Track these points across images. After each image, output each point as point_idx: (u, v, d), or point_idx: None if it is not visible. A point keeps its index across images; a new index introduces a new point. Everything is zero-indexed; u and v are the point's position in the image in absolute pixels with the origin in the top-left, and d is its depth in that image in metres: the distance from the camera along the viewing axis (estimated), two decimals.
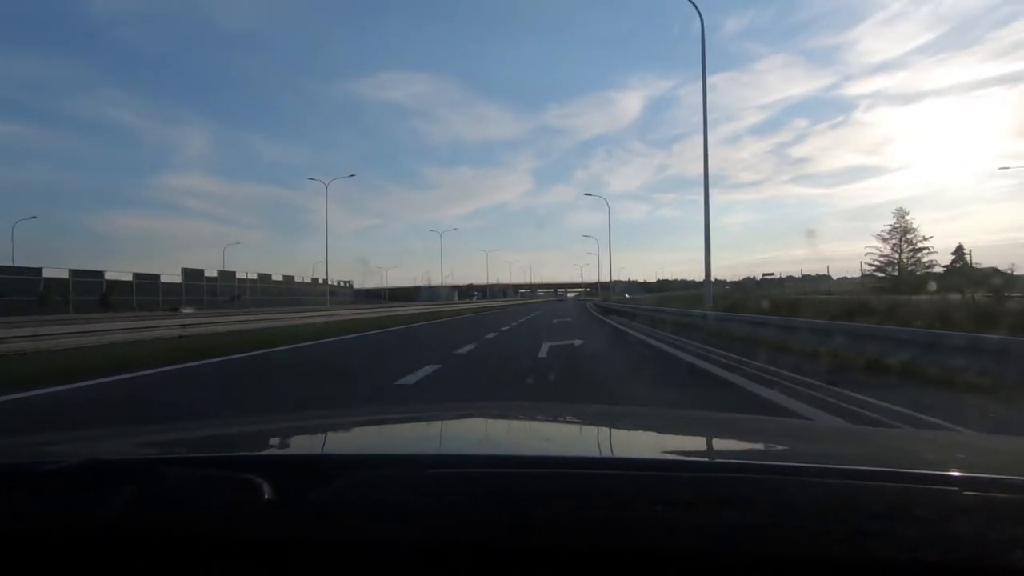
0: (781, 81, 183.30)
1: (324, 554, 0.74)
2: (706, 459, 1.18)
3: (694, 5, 20.44)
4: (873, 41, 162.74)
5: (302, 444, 1.39)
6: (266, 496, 0.75)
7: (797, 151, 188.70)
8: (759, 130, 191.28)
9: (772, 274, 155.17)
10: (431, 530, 0.74)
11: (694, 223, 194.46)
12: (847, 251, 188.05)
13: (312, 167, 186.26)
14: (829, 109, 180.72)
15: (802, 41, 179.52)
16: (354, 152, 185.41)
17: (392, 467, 0.88)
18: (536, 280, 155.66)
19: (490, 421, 1.63)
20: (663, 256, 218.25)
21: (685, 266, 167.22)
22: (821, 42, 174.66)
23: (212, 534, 0.76)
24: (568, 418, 1.70)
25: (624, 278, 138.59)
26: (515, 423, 1.63)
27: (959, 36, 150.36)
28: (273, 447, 1.30)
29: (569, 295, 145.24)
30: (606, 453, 1.22)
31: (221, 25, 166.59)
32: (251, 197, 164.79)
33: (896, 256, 54.04)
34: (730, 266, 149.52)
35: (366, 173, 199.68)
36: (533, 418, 1.74)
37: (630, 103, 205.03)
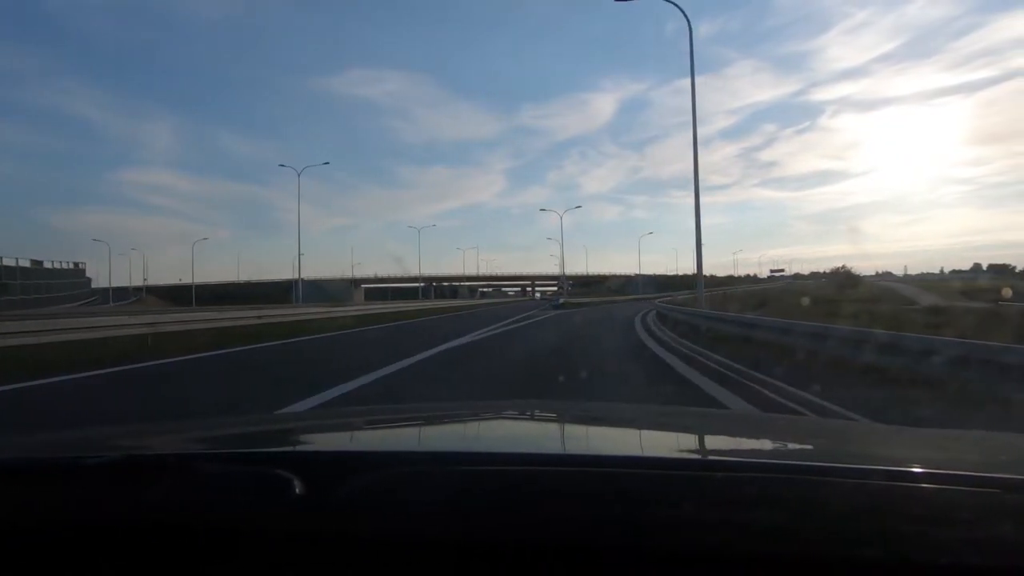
0: (750, 86, 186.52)
1: (352, 548, 0.74)
2: (738, 459, 1.11)
3: (679, 7, 19.04)
4: (839, 49, 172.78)
5: (332, 440, 1.37)
6: (296, 491, 0.75)
7: (765, 155, 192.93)
8: (729, 134, 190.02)
9: (782, 270, 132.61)
10: (458, 527, 0.74)
11: (667, 224, 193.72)
12: (811, 253, 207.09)
13: (281, 163, 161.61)
14: (796, 114, 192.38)
15: (771, 48, 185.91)
16: (327, 149, 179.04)
17: (420, 464, 0.88)
18: (497, 272, 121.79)
19: (517, 419, 1.61)
20: (639, 257, 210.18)
21: (664, 267, 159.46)
22: (789, 49, 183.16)
23: (244, 528, 0.77)
24: (595, 416, 1.67)
25: (618, 272, 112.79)
26: (541, 421, 1.60)
27: (919, 46, 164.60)
28: (303, 443, 1.31)
29: (542, 293, 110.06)
30: (636, 452, 1.19)
31: (188, 16, 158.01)
32: (219, 194, 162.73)
33: None
34: (706, 265, 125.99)
35: (340, 171, 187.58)
36: (559, 416, 1.71)
37: (603, 105, 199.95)
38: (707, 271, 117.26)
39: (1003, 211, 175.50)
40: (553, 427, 1.53)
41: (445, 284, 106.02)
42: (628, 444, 1.33)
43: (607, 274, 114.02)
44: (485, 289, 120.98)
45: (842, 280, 48.69)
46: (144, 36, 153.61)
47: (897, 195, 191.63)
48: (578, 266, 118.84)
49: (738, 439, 1.38)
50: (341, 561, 0.73)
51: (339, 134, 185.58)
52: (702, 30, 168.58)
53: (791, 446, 1.28)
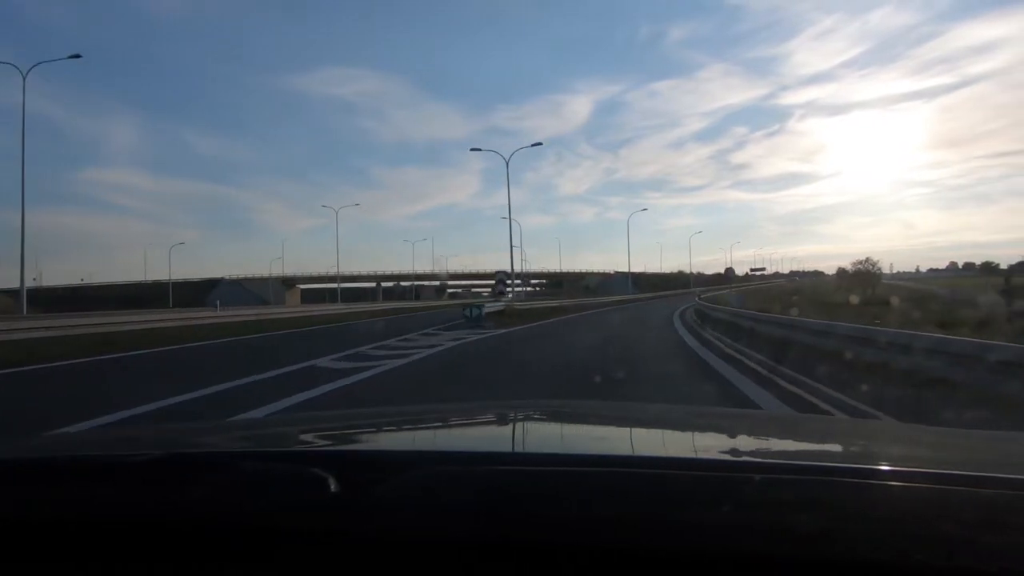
0: (722, 90, 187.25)
1: (385, 547, 0.75)
2: (777, 460, 1.08)
3: None
4: (806, 54, 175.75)
5: (366, 440, 1.37)
6: (332, 489, 0.77)
7: (737, 157, 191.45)
8: (702, 136, 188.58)
9: (763, 269, 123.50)
10: (490, 526, 0.74)
11: (642, 225, 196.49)
12: (782, 253, 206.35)
13: (252, 163, 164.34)
14: (766, 117, 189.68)
15: (741, 52, 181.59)
16: (298, 149, 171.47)
17: (453, 463, 0.88)
18: (460, 270, 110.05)
19: (548, 419, 1.60)
20: (615, 257, 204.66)
21: (643, 266, 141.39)
22: (759, 53, 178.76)
23: (279, 526, 0.78)
24: (628, 417, 1.64)
25: (600, 269, 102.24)
26: (573, 421, 1.58)
27: (882, 52, 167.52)
28: (338, 443, 1.32)
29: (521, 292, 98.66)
30: (671, 453, 1.18)
31: (151, 10, 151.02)
32: (186, 194, 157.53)
33: None
34: (680, 266, 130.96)
35: (312, 172, 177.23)
36: (591, 416, 1.70)
37: (579, 107, 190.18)
38: (692, 269, 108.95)
39: (961, 213, 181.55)
40: (587, 427, 1.50)
41: (406, 284, 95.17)
42: (663, 445, 1.30)
43: (583, 271, 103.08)
44: (455, 290, 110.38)
45: (867, 279, 39.35)
46: (104, 30, 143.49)
47: (862, 197, 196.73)
48: (551, 264, 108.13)
49: (774, 440, 1.35)
50: (374, 559, 0.74)
51: (312, 133, 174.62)
52: (675, 34, 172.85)
53: (833, 448, 1.24)
